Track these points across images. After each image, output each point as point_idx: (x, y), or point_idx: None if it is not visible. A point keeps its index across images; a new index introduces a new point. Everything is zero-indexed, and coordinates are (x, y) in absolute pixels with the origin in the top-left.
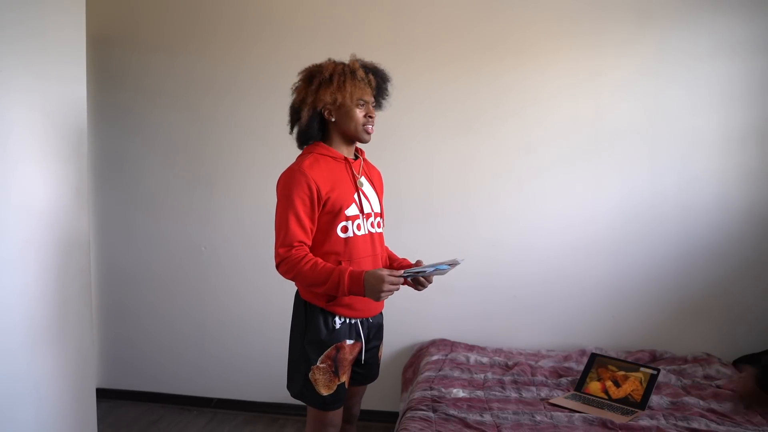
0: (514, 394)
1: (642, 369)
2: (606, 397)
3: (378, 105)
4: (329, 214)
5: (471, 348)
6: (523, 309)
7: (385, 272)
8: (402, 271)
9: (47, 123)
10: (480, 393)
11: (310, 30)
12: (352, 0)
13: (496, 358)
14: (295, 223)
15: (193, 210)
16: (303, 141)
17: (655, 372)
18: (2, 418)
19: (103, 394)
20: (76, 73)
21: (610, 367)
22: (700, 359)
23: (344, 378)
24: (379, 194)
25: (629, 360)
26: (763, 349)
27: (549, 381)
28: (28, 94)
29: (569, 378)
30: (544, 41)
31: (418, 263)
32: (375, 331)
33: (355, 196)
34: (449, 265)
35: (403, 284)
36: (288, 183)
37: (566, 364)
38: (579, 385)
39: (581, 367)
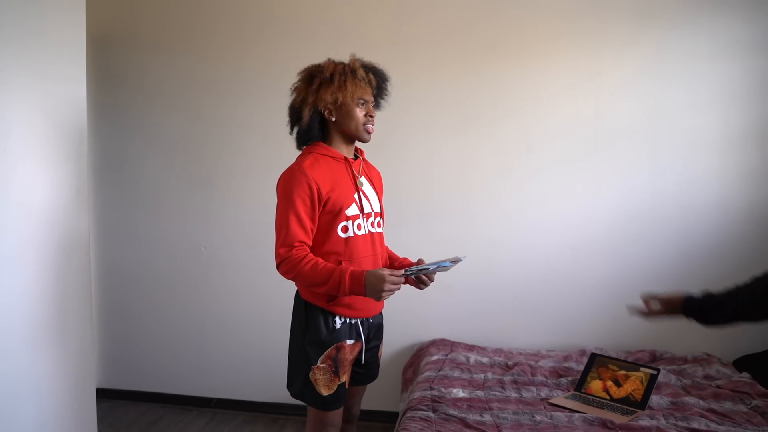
0: (514, 394)
1: (642, 369)
2: (607, 396)
3: (377, 105)
4: (330, 214)
5: (471, 348)
6: (523, 309)
7: (386, 272)
8: (403, 270)
9: (47, 123)
10: (480, 393)
11: (310, 30)
12: (352, 0)
13: (496, 358)
14: (296, 223)
15: (193, 210)
16: (303, 141)
17: (655, 372)
18: (2, 418)
19: (103, 394)
20: (76, 73)
21: (610, 366)
22: (700, 359)
23: (344, 378)
24: (379, 194)
25: (629, 360)
26: (763, 349)
27: (549, 381)
28: (28, 94)
29: (569, 378)
30: (544, 41)
31: (419, 262)
32: (375, 331)
33: (356, 195)
34: (451, 262)
35: (404, 283)
36: (288, 183)
37: (566, 364)
38: (579, 385)
39: (581, 367)
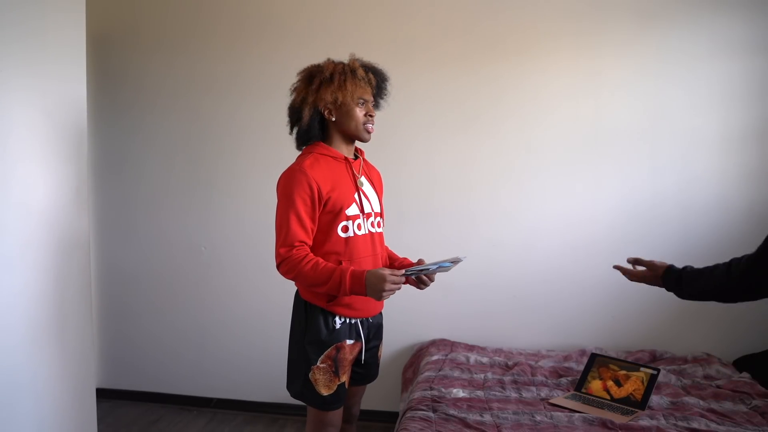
0: (514, 394)
1: (642, 369)
2: (607, 396)
3: (376, 105)
4: (330, 213)
5: (471, 348)
6: (523, 309)
7: (387, 271)
8: (404, 270)
9: (47, 123)
10: (480, 393)
11: (310, 30)
12: (352, 0)
13: (496, 358)
14: (296, 223)
15: (193, 210)
16: (303, 141)
17: (655, 372)
18: (2, 418)
19: (103, 394)
20: (76, 73)
21: (611, 366)
22: (700, 359)
23: (344, 378)
24: (379, 194)
25: (629, 360)
26: (763, 349)
27: (549, 381)
28: (28, 94)
29: (569, 378)
30: (544, 41)
31: (419, 262)
32: (375, 330)
33: (356, 195)
34: (452, 262)
35: (405, 283)
36: (289, 183)
37: (566, 364)
38: (579, 385)
39: (581, 367)
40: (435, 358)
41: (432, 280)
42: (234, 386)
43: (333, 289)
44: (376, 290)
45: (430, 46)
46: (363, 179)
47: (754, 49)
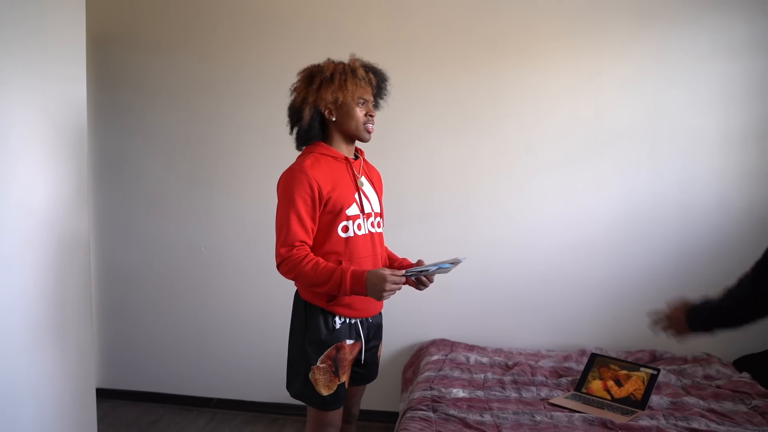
0: (514, 394)
1: (642, 369)
2: (608, 396)
3: (376, 105)
4: (330, 213)
5: (471, 348)
6: (523, 309)
7: (387, 272)
8: (404, 271)
9: (47, 123)
10: (480, 393)
11: (310, 30)
12: (352, 0)
13: (496, 358)
14: (297, 223)
15: (193, 210)
16: (304, 141)
17: (655, 372)
18: (2, 418)
19: (103, 394)
20: (76, 73)
21: (612, 366)
22: (700, 359)
23: (344, 378)
24: (379, 194)
25: (629, 360)
26: (763, 349)
27: (549, 381)
28: (28, 94)
29: (569, 378)
30: (544, 41)
31: (419, 263)
32: (374, 330)
33: (356, 195)
34: (451, 263)
35: (404, 284)
36: (289, 182)
37: (566, 364)
38: (579, 384)
39: (581, 367)
40: (435, 358)
41: (431, 281)
42: (234, 386)
43: (333, 289)
44: (377, 290)
45: (429, 46)
46: (363, 179)
47: (754, 49)
